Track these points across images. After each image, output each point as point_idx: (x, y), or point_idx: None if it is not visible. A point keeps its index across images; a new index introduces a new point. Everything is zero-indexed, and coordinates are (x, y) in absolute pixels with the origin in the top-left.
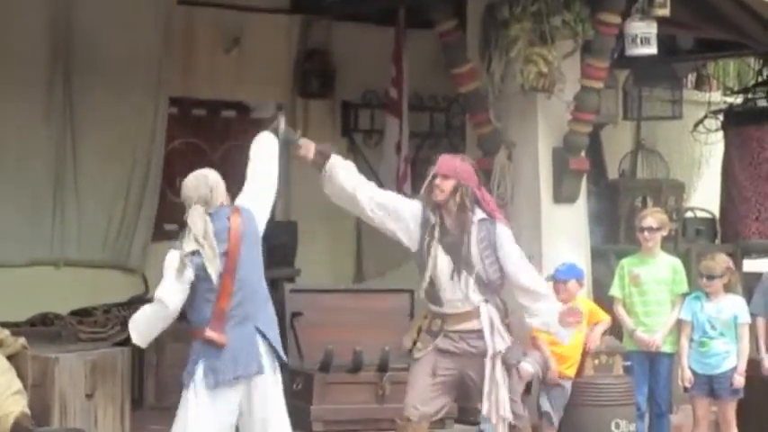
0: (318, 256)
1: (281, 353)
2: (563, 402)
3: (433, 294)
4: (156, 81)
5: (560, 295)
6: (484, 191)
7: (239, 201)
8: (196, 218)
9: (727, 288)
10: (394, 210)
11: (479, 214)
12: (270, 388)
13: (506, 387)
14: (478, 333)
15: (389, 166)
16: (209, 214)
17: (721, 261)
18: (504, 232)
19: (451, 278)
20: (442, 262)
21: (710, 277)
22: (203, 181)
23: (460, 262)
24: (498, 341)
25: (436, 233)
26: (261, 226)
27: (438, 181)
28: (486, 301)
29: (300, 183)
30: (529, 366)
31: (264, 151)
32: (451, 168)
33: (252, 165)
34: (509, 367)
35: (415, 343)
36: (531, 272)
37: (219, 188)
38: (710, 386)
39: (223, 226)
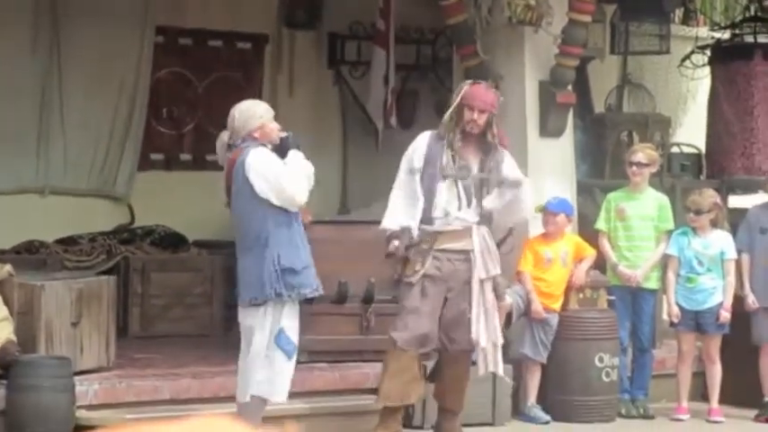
0: None
1: (239, 296)
2: (550, 337)
3: (426, 215)
4: (142, 10)
5: (549, 227)
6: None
7: (258, 151)
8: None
9: (714, 224)
10: (415, 185)
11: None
12: (245, 317)
13: (497, 313)
14: (466, 255)
15: (377, 99)
16: (230, 145)
17: (708, 196)
18: (510, 161)
19: (458, 202)
20: (450, 189)
21: (698, 212)
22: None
23: (472, 187)
24: (491, 265)
25: (450, 164)
26: (259, 187)
27: (476, 116)
28: (480, 223)
29: (286, 111)
30: (507, 297)
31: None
32: (489, 104)
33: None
34: (498, 296)
35: (405, 266)
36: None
37: (237, 125)
38: (696, 321)
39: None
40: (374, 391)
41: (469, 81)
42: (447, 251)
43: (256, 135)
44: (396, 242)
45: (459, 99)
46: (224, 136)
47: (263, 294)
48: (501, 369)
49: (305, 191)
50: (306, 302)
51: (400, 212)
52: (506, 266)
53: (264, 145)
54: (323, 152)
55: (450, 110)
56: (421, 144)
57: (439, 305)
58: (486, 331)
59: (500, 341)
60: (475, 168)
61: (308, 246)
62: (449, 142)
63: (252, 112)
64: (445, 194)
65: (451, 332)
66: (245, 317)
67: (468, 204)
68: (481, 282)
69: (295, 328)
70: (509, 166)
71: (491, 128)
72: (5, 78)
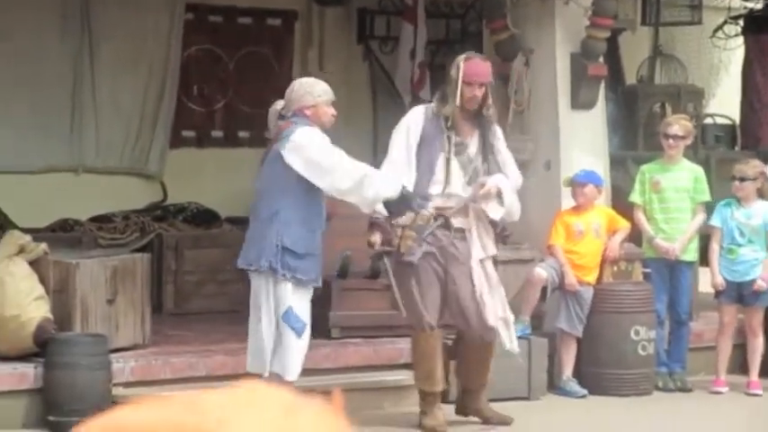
0: None
1: (244, 263)
2: (585, 310)
3: (424, 191)
4: None
5: (578, 198)
6: None
7: (308, 132)
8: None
9: (761, 194)
10: (410, 159)
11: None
12: (255, 285)
13: (501, 288)
14: (462, 233)
15: (403, 73)
16: (282, 115)
17: (754, 165)
18: (501, 132)
19: (455, 180)
20: (447, 167)
21: (742, 179)
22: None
23: (470, 162)
24: (489, 244)
25: (450, 142)
26: (296, 165)
27: (476, 91)
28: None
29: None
30: (542, 271)
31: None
32: (487, 76)
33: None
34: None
35: (400, 242)
36: (518, 173)
37: (293, 96)
38: (739, 293)
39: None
40: (408, 366)
41: (463, 56)
42: (444, 228)
43: (308, 113)
44: (376, 236)
45: (460, 78)
46: (278, 105)
47: (258, 264)
48: (516, 345)
49: (349, 180)
50: (338, 278)
51: None
52: (539, 238)
53: (313, 126)
54: (353, 127)
55: (450, 89)
56: (416, 120)
57: (440, 282)
58: (492, 310)
59: (510, 317)
60: (471, 144)
61: (321, 235)
62: (451, 121)
63: (310, 90)
64: (442, 172)
65: (464, 316)
66: (257, 294)
67: (466, 182)
68: (481, 261)
69: (304, 308)
70: (503, 145)
71: (486, 99)
72: (37, 59)
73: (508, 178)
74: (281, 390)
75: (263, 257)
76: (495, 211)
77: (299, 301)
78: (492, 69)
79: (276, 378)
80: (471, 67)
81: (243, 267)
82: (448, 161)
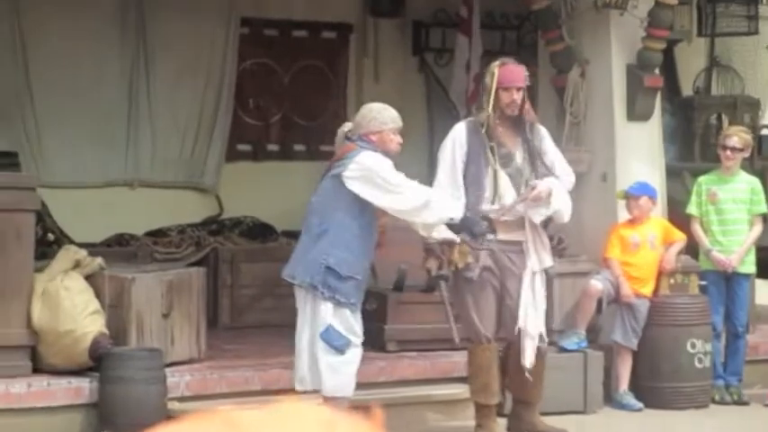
0: None
1: (288, 275)
2: (641, 323)
3: (475, 207)
4: (227, 2)
5: (633, 211)
6: None
7: (374, 156)
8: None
9: None
10: (458, 178)
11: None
12: (297, 298)
13: (544, 302)
14: (519, 246)
15: (459, 86)
16: (348, 138)
17: None
18: (545, 131)
19: (506, 192)
20: (501, 178)
21: None
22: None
23: (519, 174)
24: (545, 257)
25: (494, 153)
26: (356, 186)
27: (515, 96)
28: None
29: (371, 98)
30: (597, 283)
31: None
32: (523, 80)
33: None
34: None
35: (458, 258)
36: (569, 170)
37: (360, 120)
38: None
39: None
40: (464, 379)
41: (497, 62)
42: (499, 242)
43: (374, 138)
44: (431, 263)
45: (494, 84)
46: (345, 127)
47: (301, 279)
48: (529, 363)
49: (411, 202)
50: (395, 290)
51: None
52: (595, 251)
53: (377, 151)
54: (409, 139)
55: (485, 96)
56: (459, 136)
57: (497, 295)
58: (534, 321)
59: (542, 332)
60: (518, 153)
61: (368, 263)
62: (486, 128)
63: (378, 116)
64: (491, 186)
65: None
66: (298, 307)
67: (517, 193)
68: (533, 273)
69: (349, 324)
70: (550, 144)
71: (525, 104)
72: (93, 74)
73: (559, 179)
74: (320, 406)
75: (307, 273)
76: (537, 216)
77: (341, 319)
78: (550, 80)
79: (328, 398)
80: (506, 73)
81: (285, 279)
82: (495, 173)
